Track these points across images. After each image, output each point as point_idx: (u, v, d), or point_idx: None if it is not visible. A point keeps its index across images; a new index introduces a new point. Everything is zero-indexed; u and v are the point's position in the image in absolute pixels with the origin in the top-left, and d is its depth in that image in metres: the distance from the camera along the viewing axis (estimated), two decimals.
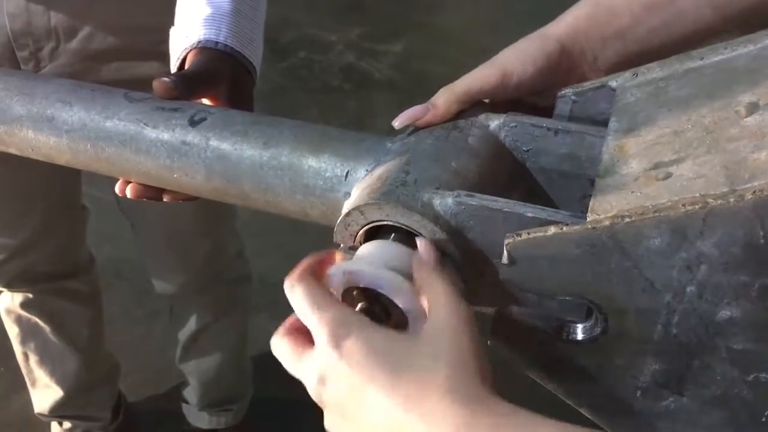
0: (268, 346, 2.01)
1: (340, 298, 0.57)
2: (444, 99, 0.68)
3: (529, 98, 0.70)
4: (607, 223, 0.50)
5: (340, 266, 0.57)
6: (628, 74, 0.63)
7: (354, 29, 3.30)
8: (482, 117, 0.67)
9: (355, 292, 0.56)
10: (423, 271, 0.55)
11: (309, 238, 2.14)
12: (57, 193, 1.45)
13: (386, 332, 0.52)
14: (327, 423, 0.53)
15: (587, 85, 0.66)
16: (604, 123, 0.62)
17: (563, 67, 0.68)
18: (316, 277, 0.57)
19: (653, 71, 0.61)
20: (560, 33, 0.69)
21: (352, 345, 0.51)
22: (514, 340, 0.60)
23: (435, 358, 0.49)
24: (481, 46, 3.01)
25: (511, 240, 0.54)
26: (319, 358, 0.52)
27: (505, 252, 0.54)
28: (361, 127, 2.66)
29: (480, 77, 0.68)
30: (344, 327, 0.52)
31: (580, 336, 0.56)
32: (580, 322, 0.56)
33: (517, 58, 0.68)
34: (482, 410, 0.47)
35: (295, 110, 2.78)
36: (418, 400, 0.48)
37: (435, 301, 0.53)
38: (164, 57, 0.92)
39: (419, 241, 0.57)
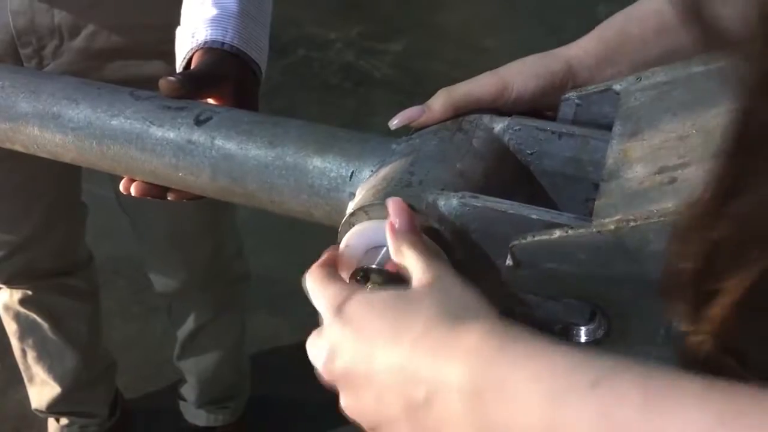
0: (266, 344, 2.02)
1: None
2: (441, 103, 0.69)
3: None
4: (612, 227, 0.50)
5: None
6: (632, 78, 0.64)
7: (354, 28, 3.30)
8: (486, 119, 0.68)
9: (370, 274, 0.58)
10: (394, 240, 0.56)
11: (308, 237, 2.14)
12: (58, 190, 1.46)
13: (383, 292, 0.53)
14: (343, 402, 0.53)
15: (591, 88, 0.66)
16: (608, 126, 0.63)
17: (567, 89, 0.68)
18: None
19: (657, 75, 0.62)
20: (570, 54, 0.69)
21: (351, 309, 0.52)
22: None
23: (433, 304, 0.50)
24: (481, 46, 3.04)
25: (516, 242, 0.54)
26: (327, 333, 0.53)
27: (509, 254, 0.55)
28: (361, 125, 2.66)
29: (480, 86, 0.69)
30: (343, 295, 0.53)
31: (583, 338, 0.56)
32: (584, 325, 0.57)
33: (520, 73, 0.69)
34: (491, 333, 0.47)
35: (294, 108, 2.78)
36: (424, 341, 0.48)
37: (410, 266, 0.54)
38: (168, 56, 0.92)
39: (390, 203, 0.58)
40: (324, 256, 0.60)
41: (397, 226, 0.56)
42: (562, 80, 0.68)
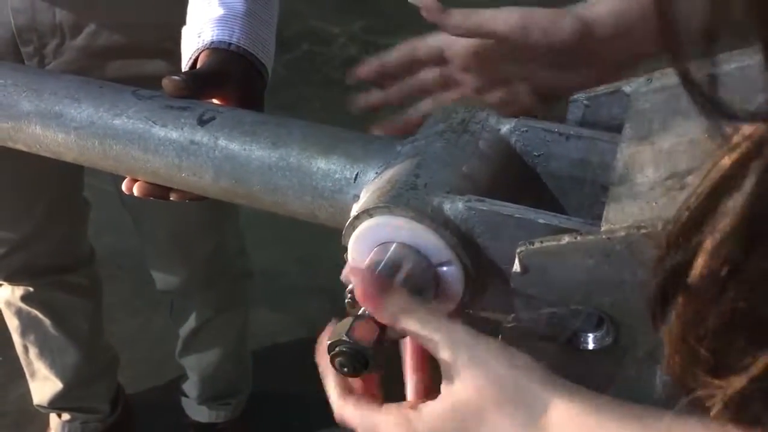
0: (268, 340, 2.01)
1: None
2: (457, 19, 0.68)
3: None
4: (622, 233, 0.49)
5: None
6: (642, 80, 0.63)
7: (357, 22, 3.29)
8: (493, 121, 0.67)
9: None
10: (383, 316, 0.53)
11: (310, 233, 2.13)
12: (60, 187, 1.45)
13: (441, 412, 0.51)
14: None
15: (600, 89, 0.65)
16: (617, 128, 0.62)
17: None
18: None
19: (668, 77, 0.61)
20: (590, 16, 0.68)
21: None
22: (523, 348, 0.60)
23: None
24: None
25: (523, 248, 0.53)
26: None
27: (516, 260, 0.54)
28: (364, 120, 2.64)
29: (499, 19, 0.68)
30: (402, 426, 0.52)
31: (591, 345, 0.55)
32: (591, 332, 0.56)
33: (544, 22, 0.68)
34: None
35: (297, 103, 2.77)
36: None
37: (434, 350, 0.52)
38: (170, 55, 0.91)
39: (350, 275, 0.55)
40: (332, 382, 0.57)
41: (371, 292, 0.52)
42: (582, 40, 0.67)
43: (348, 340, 0.53)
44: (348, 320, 0.54)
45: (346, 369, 0.54)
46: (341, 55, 3.16)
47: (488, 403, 0.49)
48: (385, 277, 0.55)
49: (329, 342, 0.54)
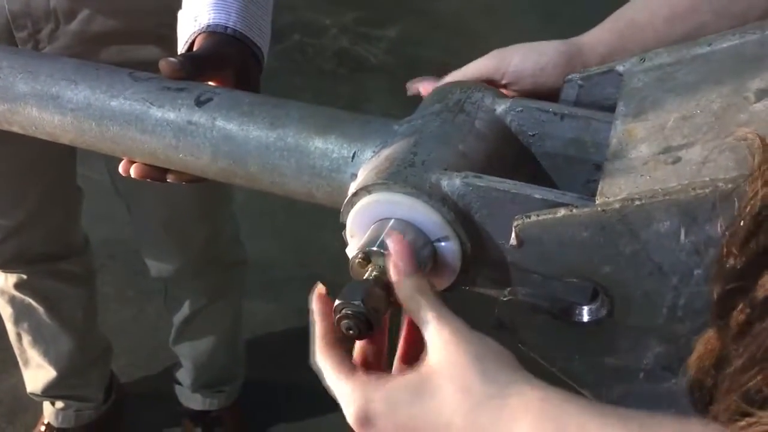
0: (262, 328, 2.01)
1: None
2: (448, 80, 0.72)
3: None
4: (617, 205, 0.50)
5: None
6: (635, 59, 0.64)
7: (349, 13, 3.29)
8: (489, 101, 0.68)
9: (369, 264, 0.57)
10: (401, 288, 0.55)
11: (303, 222, 2.14)
12: (53, 174, 1.45)
13: (401, 391, 0.51)
14: None
15: (594, 70, 0.66)
16: (611, 108, 0.63)
17: (576, 71, 0.69)
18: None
19: (661, 57, 0.62)
20: (582, 41, 0.70)
21: (378, 422, 0.52)
22: (519, 322, 0.61)
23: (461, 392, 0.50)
24: (476, 32, 3.03)
25: (520, 221, 0.54)
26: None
27: (513, 233, 0.55)
28: (355, 111, 2.64)
29: (480, 62, 0.71)
30: (363, 398, 0.52)
31: (585, 318, 0.57)
32: (585, 304, 0.57)
33: (522, 48, 0.70)
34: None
35: (288, 94, 2.74)
36: None
37: (425, 328, 0.53)
38: (164, 41, 0.91)
39: (391, 241, 0.56)
40: (319, 327, 0.57)
41: (402, 268, 0.55)
42: (570, 62, 0.69)
43: (360, 305, 0.54)
44: (359, 285, 0.56)
45: (352, 332, 0.55)
46: (333, 46, 3.16)
47: (450, 373, 0.49)
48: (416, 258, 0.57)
49: (339, 303, 0.55)
